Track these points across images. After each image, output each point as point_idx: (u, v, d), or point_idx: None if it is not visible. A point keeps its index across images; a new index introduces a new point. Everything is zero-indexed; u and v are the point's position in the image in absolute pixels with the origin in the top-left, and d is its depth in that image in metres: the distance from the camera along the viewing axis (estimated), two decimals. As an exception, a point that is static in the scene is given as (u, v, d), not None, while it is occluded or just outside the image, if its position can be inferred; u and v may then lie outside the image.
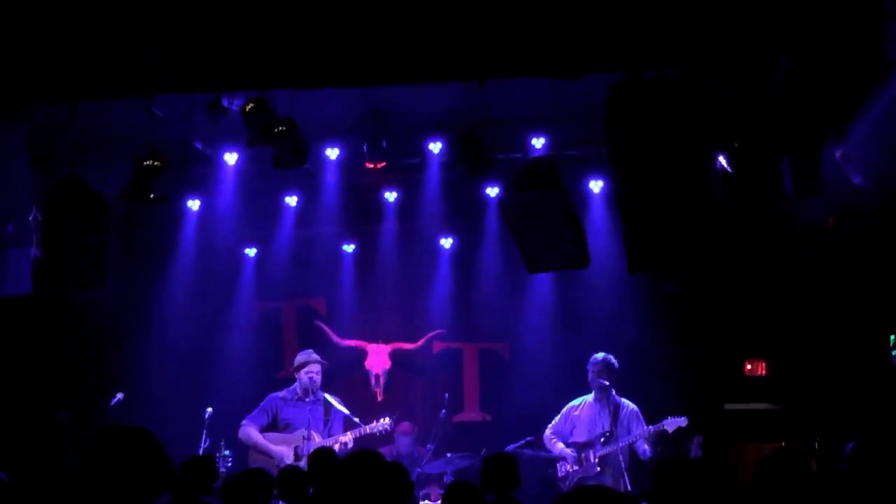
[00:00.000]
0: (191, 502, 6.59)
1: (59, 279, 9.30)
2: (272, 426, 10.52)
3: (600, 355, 10.28)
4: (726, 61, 7.96)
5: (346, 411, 10.49)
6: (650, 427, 9.89)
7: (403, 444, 10.92)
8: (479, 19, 7.75)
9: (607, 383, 10.11)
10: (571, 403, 10.46)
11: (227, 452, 10.13)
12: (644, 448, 9.86)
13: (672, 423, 9.75)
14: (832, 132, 8.00)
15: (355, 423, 10.38)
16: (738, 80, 8.43)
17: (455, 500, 6.05)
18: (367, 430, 10.29)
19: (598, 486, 4.52)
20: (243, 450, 10.47)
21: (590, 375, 10.27)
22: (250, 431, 10.43)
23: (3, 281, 9.33)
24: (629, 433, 10.01)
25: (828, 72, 7.72)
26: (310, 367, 10.63)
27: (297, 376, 10.67)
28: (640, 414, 10.11)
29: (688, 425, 9.73)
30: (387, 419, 10.38)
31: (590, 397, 10.35)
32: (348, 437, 10.25)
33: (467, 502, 5.95)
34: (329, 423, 10.47)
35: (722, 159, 9.36)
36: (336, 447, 9.97)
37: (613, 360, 10.25)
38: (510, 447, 10.16)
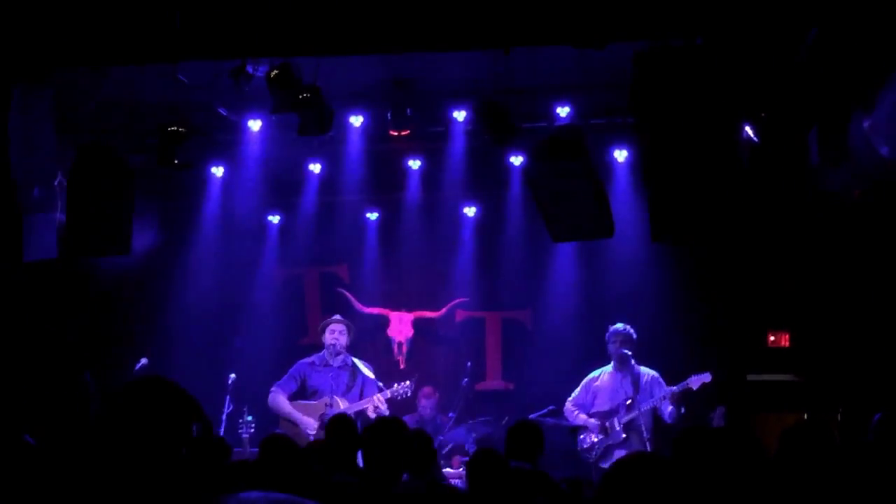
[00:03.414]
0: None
1: (83, 245, 9.33)
2: (300, 393, 10.56)
3: (621, 326, 10.27)
4: (754, 30, 7.88)
5: (372, 376, 10.55)
6: (673, 387, 9.85)
7: (425, 407, 10.96)
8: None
9: (630, 353, 10.09)
10: (591, 375, 10.45)
11: (249, 418, 10.17)
12: (669, 409, 9.82)
13: (696, 381, 9.69)
14: (860, 103, 7.93)
15: (380, 388, 10.45)
16: (766, 49, 8.35)
17: (480, 468, 6.05)
18: (389, 395, 10.34)
19: (651, 454, 4.53)
20: (267, 415, 10.51)
21: (610, 346, 10.26)
22: (278, 399, 10.49)
23: (29, 246, 9.38)
24: (652, 398, 10.00)
25: (856, 41, 7.64)
26: (332, 326, 10.70)
27: (323, 340, 10.72)
28: (660, 379, 10.10)
29: (711, 382, 9.67)
30: (407, 382, 10.45)
31: (609, 367, 10.34)
32: (381, 402, 10.26)
33: (492, 469, 5.95)
34: (353, 389, 10.49)
35: (748, 129, 9.30)
36: (370, 412, 10.06)
37: (632, 331, 10.24)
38: (532, 416, 10.14)
